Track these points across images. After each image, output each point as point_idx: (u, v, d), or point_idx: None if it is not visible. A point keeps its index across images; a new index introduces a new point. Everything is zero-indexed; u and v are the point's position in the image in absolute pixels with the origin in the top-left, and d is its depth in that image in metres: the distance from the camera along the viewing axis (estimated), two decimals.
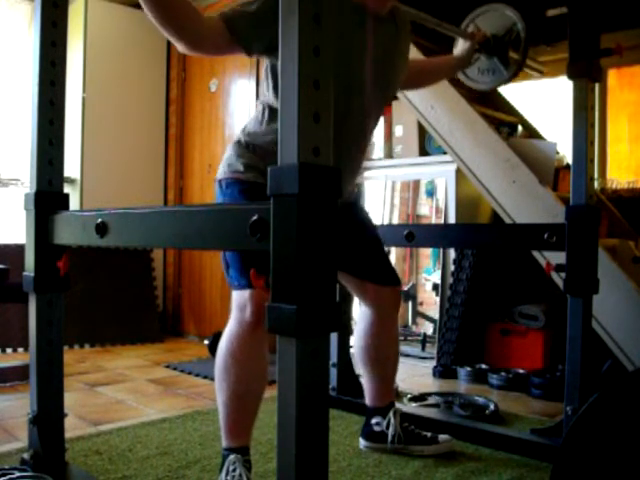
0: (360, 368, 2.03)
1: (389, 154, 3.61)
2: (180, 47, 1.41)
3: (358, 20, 1.58)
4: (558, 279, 2.26)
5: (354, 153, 1.68)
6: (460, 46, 2.18)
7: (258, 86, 3.79)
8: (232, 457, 1.52)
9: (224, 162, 1.64)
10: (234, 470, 1.50)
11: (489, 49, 2.22)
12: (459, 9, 2.42)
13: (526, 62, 2.26)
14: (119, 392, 2.66)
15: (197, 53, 1.49)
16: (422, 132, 3.52)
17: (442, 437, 1.94)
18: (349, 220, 1.86)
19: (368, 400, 2.00)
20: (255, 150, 1.58)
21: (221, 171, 1.63)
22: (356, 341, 2.00)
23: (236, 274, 1.54)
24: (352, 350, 2.47)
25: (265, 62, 1.59)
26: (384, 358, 1.97)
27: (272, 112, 1.56)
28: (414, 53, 2.57)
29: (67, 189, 1.74)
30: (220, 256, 1.64)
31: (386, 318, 1.95)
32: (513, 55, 2.24)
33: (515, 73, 2.26)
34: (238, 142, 1.63)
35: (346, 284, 1.98)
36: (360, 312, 2.01)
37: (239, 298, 1.51)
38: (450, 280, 3.26)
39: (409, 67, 1.87)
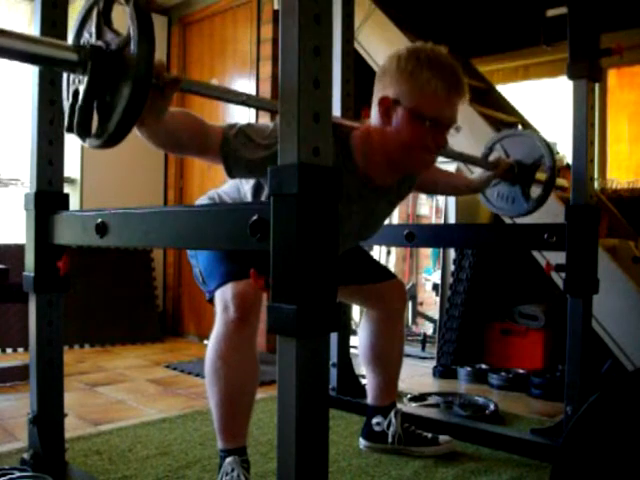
0: (364, 366, 2.02)
1: None
2: None
3: (358, 192, 1.55)
4: (558, 279, 2.26)
5: None
6: (480, 173, 2.10)
7: (258, 86, 3.79)
8: (230, 459, 1.50)
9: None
10: (232, 471, 1.48)
11: (512, 177, 2.09)
12: None
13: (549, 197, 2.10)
14: (119, 392, 2.66)
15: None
16: None
17: (442, 438, 1.94)
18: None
19: (370, 399, 1.99)
20: None
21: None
22: (360, 339, 2.00)
23: (212, 278, 1.54)
24: (352, 350, 2.47)
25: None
26: (388, 357, 1.96)
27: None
28: None
29: (67, 189, 1.74)
30: (194, 275, 1.65)
31: (392, 315, 1.95)
32: (539, 180, 2.08)
33: (533, 210, 2.10)
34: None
35: (346, 298, 1.98)
36: (365, 313, 2.01)
37: (221, 298, 1.49)
38: (450, 280, 3.26)
39: (427, 174, 1.85)
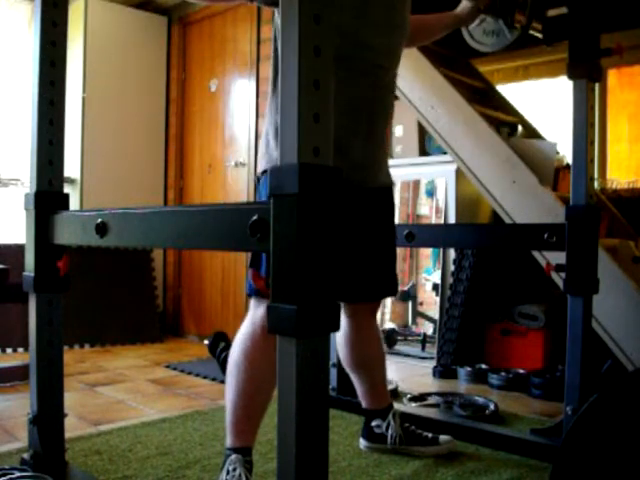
0: (349, 374, 1.98)
1: (389, 154, 3.60)
2: None
3: None
4: (558, 279, 2.26)
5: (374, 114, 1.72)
6: (464, 4, 2.09)
7: (258, 86, 3.79)
8: (233, 457, 1.52)
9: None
10: (234, 470, 1.51)
11: (495, 10, 2.10)
12: None
13: (531, 26, 2.11)
14: (119, 392, 2.66)
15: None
16: (422, 132, 3.52)
17: (443, 438, 1.94)
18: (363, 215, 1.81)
19: (364, 403, 1.98)
20: None
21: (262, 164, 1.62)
22: (339, 348, 1.95)
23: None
24: None
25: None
26: (370, 361, 1.93)
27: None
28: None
29: (67, 189, 1.74)
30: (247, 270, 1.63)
31: (363, 328, 1.89)
32: (520, 17, 2.10)
33: (519, 37, 2.10)
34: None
35: None
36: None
37: (258, 299, 1.54)
38: (450, 280, 3.26)
39: (414, 18, 1.84)
